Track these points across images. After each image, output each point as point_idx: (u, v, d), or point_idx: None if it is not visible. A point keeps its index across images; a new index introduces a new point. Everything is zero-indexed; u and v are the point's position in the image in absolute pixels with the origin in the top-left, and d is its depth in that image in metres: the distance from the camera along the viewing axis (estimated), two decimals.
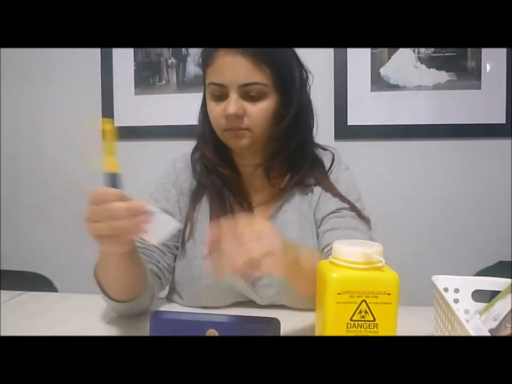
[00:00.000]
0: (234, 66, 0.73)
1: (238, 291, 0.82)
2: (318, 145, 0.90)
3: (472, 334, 0.46)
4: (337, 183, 0.86)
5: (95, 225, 0.56)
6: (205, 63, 0.78)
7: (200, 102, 0.86)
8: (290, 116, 0.79)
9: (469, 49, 1.43)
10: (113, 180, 0.60)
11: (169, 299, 0.89)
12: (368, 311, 0.51)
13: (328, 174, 0.87)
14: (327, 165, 0.88)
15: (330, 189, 0.85)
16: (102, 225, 0.55)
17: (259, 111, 0.76)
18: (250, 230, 0.50)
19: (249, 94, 0.75)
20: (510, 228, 1.41)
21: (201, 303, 0.82)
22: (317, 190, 0.86)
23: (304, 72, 0.82)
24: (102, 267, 0.70)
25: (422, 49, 1.45)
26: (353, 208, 0.83)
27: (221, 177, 0.84)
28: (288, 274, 0.57)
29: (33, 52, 1.63)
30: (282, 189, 0.85)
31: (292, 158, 0.83)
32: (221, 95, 0.76)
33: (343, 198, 0.84)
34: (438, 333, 0.61)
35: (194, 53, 1.55)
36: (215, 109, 0.77)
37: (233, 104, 0.74)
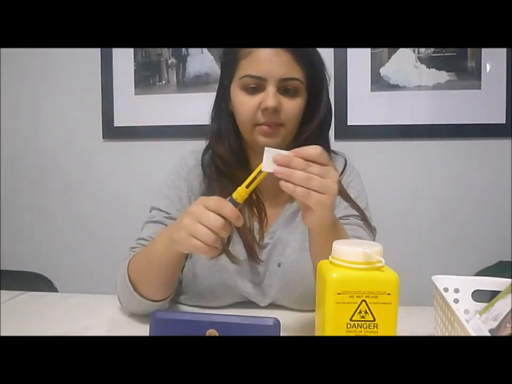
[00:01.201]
0: (276, 59, 0.72)
1: (239, 292, 0.82)
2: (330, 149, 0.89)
3: (472, 334, 0.46)
4: (348, 189, 0.85)
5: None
6: (237, 56, 0.76)
7: (214, 99, 0.84)
8: (321, 116, 0.80)
9: (469, 49, 1.43)
10: None
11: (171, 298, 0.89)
12: (368, 311, 0.51)
13: (340, 178, 0.86)
14: (338, 169, 0.87)
15: (342, 193, 0.83)
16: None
17: (294, 107, 0.76)
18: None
19: (286, 89, 0.75)
20: (510, 228, 1.41)
21: (202, 302, 0.82)
22: None
23: (327, 75, 0.82)
24: (153, 266, 0.71)
25: (422, 49, 1.45)
26: (362, 216, 0.82)
27: (232, 180, 0.81)
28: (322, 227, 0.63)
29: (33, 52, 1.63)
30: None
31: None
32: (256, 88, 0.74)
33: (353, 204, 0.83)
34: (438, 333, 0.61)
35: (194, 53, 1.56)
36: (249, 102, 0.75)
37: (273, 97, 0.73)
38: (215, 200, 0.61)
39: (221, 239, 0.61)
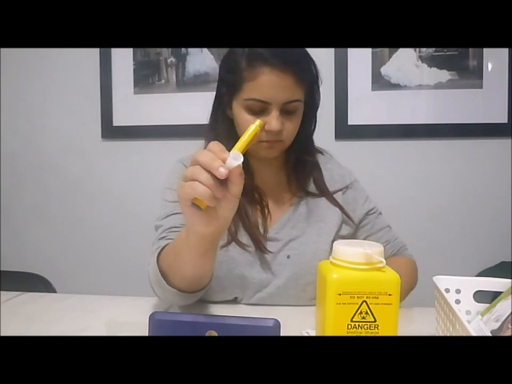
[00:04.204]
0: (280, 85, 0.76)
1: (246, 282, 0.83)
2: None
3: (474, 335, 0.46)
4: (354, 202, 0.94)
5: None
6: (242, 78, 0.78)
7: (211, 108, 0.88)
8: (314, 124, 0.89)
9: (471, 48, 1.42)
10: None
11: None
12: (368, 312, 0.51)
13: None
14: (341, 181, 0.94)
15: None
16: None
17: (294, 125, 0.81)
18: None
19: (288, 110, 0.79)
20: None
21: (205, 296, 0.81)
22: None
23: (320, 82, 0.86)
24: (188, 257, 0.64)
25: (423, 48, 1.45)
26: (376, 209, 0.95)
27: None
28: None
29: (33, 52, 1.63)
30: (301, 189, 0.90)
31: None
32: (261, 110, 0.78)
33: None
34: (439, 334, 0.61)
35: (194, 52, 1.55)
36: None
37: (277, 120, 0.77)
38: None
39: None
